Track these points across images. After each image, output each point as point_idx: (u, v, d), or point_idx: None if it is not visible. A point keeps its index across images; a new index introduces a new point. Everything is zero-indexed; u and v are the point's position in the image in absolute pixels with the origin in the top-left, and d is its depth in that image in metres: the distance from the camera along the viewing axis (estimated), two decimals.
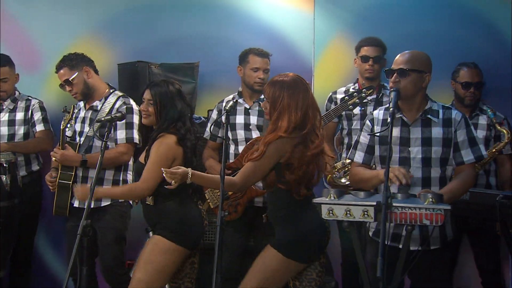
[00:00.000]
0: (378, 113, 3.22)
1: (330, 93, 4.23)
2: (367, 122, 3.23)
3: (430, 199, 2.67)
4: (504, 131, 3.89)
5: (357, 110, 3.96)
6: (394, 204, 2.67)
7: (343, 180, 3.99)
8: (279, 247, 3.04)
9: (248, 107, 4.01)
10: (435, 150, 3.07)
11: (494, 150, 3.90)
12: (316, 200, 2.85)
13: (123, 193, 3.58)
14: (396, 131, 3.09)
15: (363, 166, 3.22)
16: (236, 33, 4.53)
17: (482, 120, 4.02)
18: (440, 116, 3.10)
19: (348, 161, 3.82)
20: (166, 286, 3.43)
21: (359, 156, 3.23)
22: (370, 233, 3.18)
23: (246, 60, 4.00)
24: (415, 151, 3.08)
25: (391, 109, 2.91)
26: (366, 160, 3.21)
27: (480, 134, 3.97)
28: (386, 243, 2.56)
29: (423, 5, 4.42)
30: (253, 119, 3.97)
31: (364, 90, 3.72)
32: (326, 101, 4.22)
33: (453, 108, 3.19)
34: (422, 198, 2.72)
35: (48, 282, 4.54)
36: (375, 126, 3.18)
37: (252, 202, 3.85)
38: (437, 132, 3.08)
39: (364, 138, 3.22)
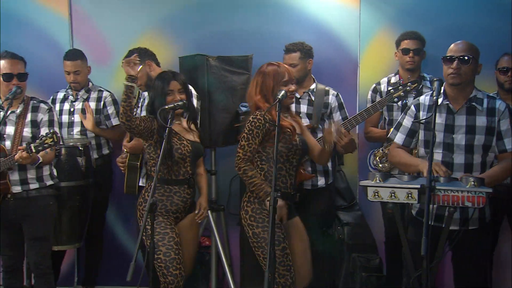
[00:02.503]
0: (425, 99, 3.13)
1: (374, 84, 4.17)
2: (412, 107, 3.15)
3: (472, 182, 2.63)
4: None
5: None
6: (437, 187, 2.64)
7: (380, 165, 3.99)
8: None
9: (298, 96, 4.00)
10: (478, 138, 2.98)
11: None
12: (362, 183, 2.84)
13: None
14: (441, 118, 3.02)
15: (402, 148, 3.16)
16: (286, 27, 4.50)
17: None
18: (485, 105, 3.00)
19: (387, 150, 3.78)
20: None
21: (400, 138, 3.17)
22: (414, 212, 3.14)
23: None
24: (459, 138, 3.00)
25: (434, 98, 2.85)
26: (406, 142, 3.16)
27: None
28: (430, 223, 2.52)
29: None
30: (303, 108, 3.98)
31: (409, 84, 3.65)
32: (370, 91, 4.17)
33: (497, 98, 3.09)
34: (464, 181, 2.68)
35: (119, 254, 4.66)
36: (420, 112, 3.11)
37: (302, 185, 3.87)
38: (481, 121, 2.98)
39: (407, 122, 3.15)
